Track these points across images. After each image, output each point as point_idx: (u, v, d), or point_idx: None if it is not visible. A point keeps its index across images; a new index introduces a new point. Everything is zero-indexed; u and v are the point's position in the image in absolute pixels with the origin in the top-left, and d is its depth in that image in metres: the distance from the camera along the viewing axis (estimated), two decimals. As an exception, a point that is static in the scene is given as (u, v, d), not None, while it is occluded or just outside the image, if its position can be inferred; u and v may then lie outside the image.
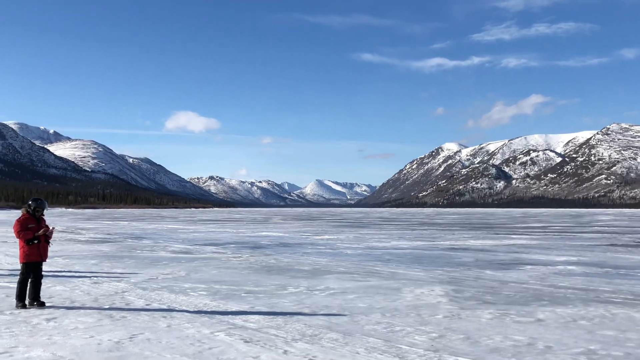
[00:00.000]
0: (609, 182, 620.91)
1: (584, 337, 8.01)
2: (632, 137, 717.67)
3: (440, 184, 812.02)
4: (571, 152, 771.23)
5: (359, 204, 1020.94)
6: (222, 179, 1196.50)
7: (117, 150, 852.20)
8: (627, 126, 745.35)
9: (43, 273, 10.22)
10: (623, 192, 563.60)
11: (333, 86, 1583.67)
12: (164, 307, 9.98)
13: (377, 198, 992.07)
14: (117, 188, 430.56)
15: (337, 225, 53.05)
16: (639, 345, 7.57)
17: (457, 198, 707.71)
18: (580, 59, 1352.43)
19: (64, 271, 15.28)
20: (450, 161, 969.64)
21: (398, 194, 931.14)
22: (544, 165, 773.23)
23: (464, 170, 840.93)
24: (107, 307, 9.96)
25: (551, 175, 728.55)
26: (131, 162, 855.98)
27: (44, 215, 10.24)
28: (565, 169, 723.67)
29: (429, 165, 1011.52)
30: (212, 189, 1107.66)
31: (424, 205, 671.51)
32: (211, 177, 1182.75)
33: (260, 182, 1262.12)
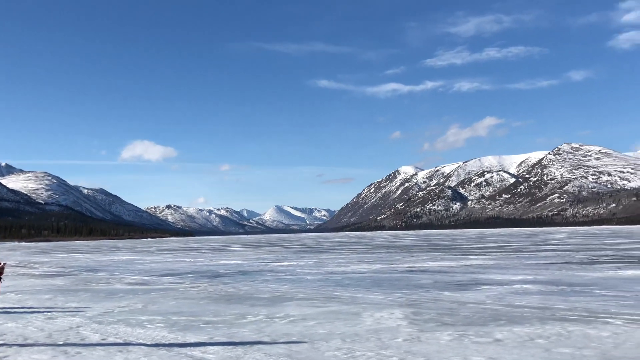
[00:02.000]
0: (561, 200, 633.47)
1: (541, 355, 8.10)
2: (582, 157, 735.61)
3: (397, 207, 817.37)
4: (524, 173, 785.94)
5: (319, 228, 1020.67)
6: (179, 207, 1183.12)
7: (72, 181, 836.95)
8: (577, 146, 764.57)
9: (-7, 310, 9.91)
10: (576, 210, 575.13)
11: (291, 113, 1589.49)
12: (120, 341, 9.76)
13: (336, 222, 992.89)
14: (72, 220, 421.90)
15: (297, 251, 52.88)
16: (594, 361, 7.69)
17: (415, 220, 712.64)
18: (530, 81, 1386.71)
19: (17, 307, 14.84)
20: (407, 184, 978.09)
21: (357, 218, 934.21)
22: (498, 185, 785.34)
23: (420, 192, 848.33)
24: (61, 343, 9.69)
25: (505, 196, 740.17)
26: (86, 193, 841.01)
27: (-7, 250, 9.97)
28: (519, 189, 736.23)
29: (387, 188, 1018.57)
30: (170, 218, 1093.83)
31: (382, 228, 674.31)
32: (168, 206, 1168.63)
33: (218, 209, 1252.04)
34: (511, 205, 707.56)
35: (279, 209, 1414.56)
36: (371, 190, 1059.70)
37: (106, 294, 17.85)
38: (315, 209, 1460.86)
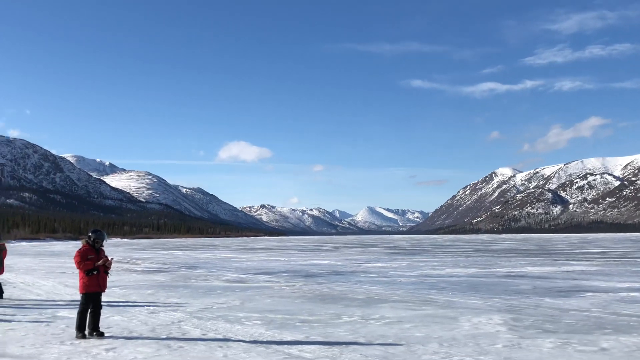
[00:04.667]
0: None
1: (652, 367, 7.73)
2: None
3: (494, 210, 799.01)
4: (630, 175, 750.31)
5: (411, 230, 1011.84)
6: (273, 207, 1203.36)
7: (171, 180, 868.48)
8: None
9: (102, 303, 10.42)
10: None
11: (384, 113, 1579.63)
12: (220, 337, 10.05)
13: (429, 225, 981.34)
14: (171, 218, 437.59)
15: (390, 253, 52.65)
16: None
17: (513, 224, 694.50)
18: (637, 80, 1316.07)
19: (122, 301, 15.56)
20: (504, 186, 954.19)
21: (451, 221, 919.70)
22: (601, 189, 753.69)
23: (518, 195, 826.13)
24: (164, 337, 10.08)
25: (609, 199, 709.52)
26: (184, 192, 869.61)
27: (103, 246, 10.48)
28: (624, 193, 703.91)
29: (483, 190, 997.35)
30: (264, 218, 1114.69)
31: (478, 231, 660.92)
32: (262, 206, 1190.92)
33: (311, 210, 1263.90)
34: (615, 210, 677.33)
35: (371, 210, 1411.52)
36: (466, 192, 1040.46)
37: (205, 291, 18.40)
38: (408, 210, 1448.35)
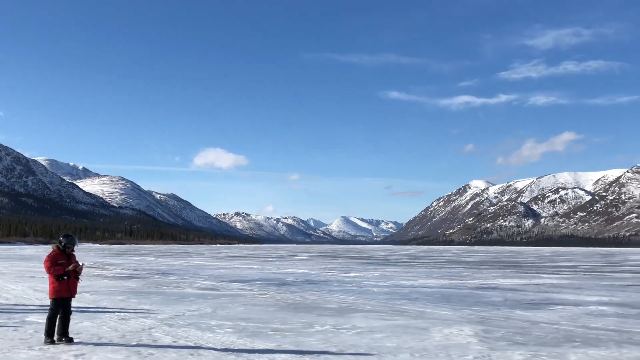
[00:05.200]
0: (639, 220, 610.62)
1: (619, 380, 7.82)
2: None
3: (467, 222, 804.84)
4: (601, 191, 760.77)
5: (385, 241, 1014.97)
6: (248, 215, 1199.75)
7: (145, 186, 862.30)
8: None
9: (72, 309, 10.29)
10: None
11: (361, 124, 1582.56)
12: (191, 344, 9.97)
13: (403, 235, 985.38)
14: (144, 224, 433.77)
15: (363, 263, 52.76)
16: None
17: (485, 236, 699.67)
18: (610, 97, 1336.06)
19: (92, 307, 15.38)
20: (477, 199, 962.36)
21: (425, 232, 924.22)
22: (573, 203, 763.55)
23: (491, 208, 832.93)
24: (134, 343, 9.98)
25: (581, 214, 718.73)
26: (158, 198, 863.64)
27: (74, 251, 10.36)
28: (595, 208, 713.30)
29: (456, 202, 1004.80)
30: (238, 225, 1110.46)
31: (451, 243, 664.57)
32: (237, 213, 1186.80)
33: (286, 218, 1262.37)
34: (586, 224, 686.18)
35: (346, 220, 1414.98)
36: (440, 204, 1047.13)
37: (177, 298, 18.27)
38: (383, 220, 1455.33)
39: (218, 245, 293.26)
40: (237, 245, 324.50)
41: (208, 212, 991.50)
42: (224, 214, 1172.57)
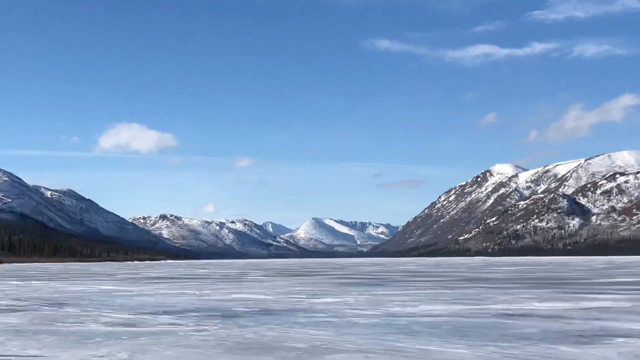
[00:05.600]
0: None
1: None
2: None
3: (489, 223, 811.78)
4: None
5: (374, 252, 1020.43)
6: (178, 218, 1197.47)
7: (30, 179, 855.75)
8: None
9: None
10: None
11: (339, 86, 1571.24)
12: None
13: (399, 243, 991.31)
14: (30, 233, 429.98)
15: (343, 283, 52.91)
16: None
17: (514, 243, 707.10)
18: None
19: (-46, 354, 15.18)
20: (502, 190, 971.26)
21: (429, 238, 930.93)
22: (636, 194, 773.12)
23: (522, 202, 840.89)
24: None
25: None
26: (50, 195, 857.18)
27: None
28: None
29: (473, 196, 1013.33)
30: (165, 234, 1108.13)
31: (466, 253, 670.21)
32: (163, 217, 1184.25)
33: (233, 222, 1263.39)
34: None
35: (318, 223, 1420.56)
36: (450, 199, 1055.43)
37: (78, 338, 18.12)
38: (370, 223, 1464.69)
39: (136, 262, 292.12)
40: (164, 261, 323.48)
41: (121, 216, 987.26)
42: (144, 218, 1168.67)
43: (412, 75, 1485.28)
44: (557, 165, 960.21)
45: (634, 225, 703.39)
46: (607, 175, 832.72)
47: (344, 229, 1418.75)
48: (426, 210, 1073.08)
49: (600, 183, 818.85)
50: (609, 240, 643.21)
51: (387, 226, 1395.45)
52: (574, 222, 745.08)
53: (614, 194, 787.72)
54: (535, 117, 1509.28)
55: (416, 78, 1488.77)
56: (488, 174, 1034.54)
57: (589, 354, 14.61)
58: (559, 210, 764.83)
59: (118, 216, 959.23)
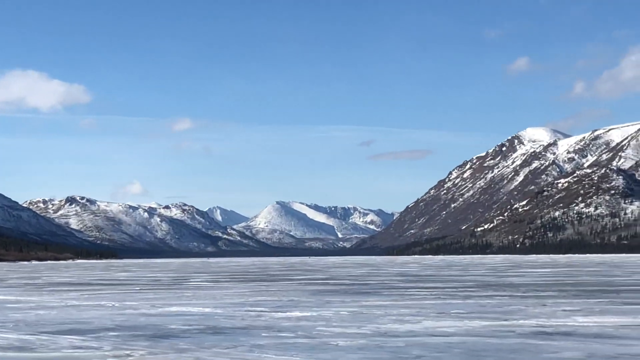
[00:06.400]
0: None
1: None
2: None
3: (517, 209, 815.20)
4: None
5: (361, 247, 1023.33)
6: (92, 202, 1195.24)
7: None
8: None
9: None
10: None
11: (313, 22, 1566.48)
12: None
13: (395, 237, 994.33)
14: None
15: (319, 291, 53.14)
16: None
17: (550, 235, 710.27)
18: None
19: None
20: (536, 163, 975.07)
21: (435, 228, 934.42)
22: None
23: (562, 181, 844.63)
24: None
25: None
26: None
27: None
28: None
29: (496, 171, 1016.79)
30: (74, 223, 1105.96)
31: (486, 248, 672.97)
32: (71, 200, 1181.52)
33: (168, 207, 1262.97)
34: None
35: (285, 209, 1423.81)
36: (465, 176, 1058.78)
37: (-48, 368, 18.11)
38: (356, 209, 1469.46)
39: (34, 262, 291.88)
40: (72, 261, 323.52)
41: (13, 199, 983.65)
42: (44, 202, 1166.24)
43: (414, 9, 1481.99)
44: (610, 130, 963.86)
45: None
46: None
47: (320, 217, 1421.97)
48: (432, 192, 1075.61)
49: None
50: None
51: (379, 213, 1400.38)
52: (633, 208, 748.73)
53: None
54: (581, 64, 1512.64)
55: (420, 12, 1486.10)
56: (516, 141, 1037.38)
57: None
58: (613, 192, 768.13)
59: (9, 199, 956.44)
